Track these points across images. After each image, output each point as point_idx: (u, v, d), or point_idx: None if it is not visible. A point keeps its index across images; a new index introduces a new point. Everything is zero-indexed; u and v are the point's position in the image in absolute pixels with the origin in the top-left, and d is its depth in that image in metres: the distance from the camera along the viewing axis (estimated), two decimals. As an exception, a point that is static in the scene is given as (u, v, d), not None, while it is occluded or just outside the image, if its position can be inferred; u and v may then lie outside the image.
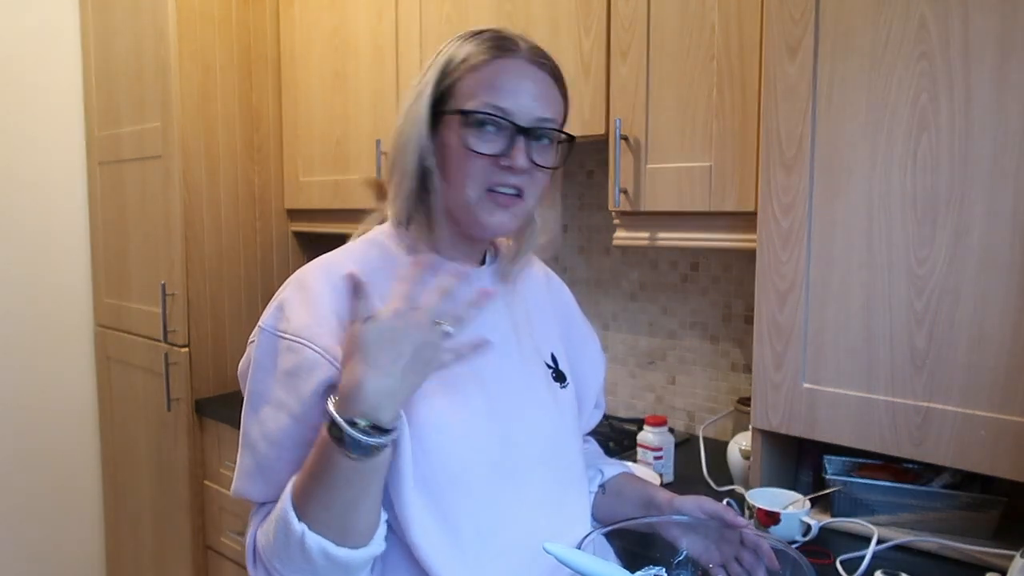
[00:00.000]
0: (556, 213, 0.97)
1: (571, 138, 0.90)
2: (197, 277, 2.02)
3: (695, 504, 0.92)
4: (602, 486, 1.03)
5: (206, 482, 2.05)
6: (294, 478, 0.78)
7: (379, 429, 0.72)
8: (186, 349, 2.01)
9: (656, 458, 1.41)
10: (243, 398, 0.86)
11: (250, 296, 2.14)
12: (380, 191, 0.95)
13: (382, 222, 0.95)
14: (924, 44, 1.00)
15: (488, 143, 0.83)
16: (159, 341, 2.06)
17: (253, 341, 0.87)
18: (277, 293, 0.86)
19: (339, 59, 1.98)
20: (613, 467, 1.06)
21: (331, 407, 0.72)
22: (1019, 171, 0.94)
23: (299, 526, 0.74)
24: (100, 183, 2.29)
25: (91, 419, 2.42)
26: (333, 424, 0.71)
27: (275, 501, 0.82)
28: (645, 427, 1.44)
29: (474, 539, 0.83)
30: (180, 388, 2.02)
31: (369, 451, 0.71)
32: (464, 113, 0.83)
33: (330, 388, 0.78)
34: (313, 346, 0.79)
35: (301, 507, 0.75)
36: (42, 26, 2.24)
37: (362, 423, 0.71)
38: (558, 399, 0.96)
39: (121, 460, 2.33)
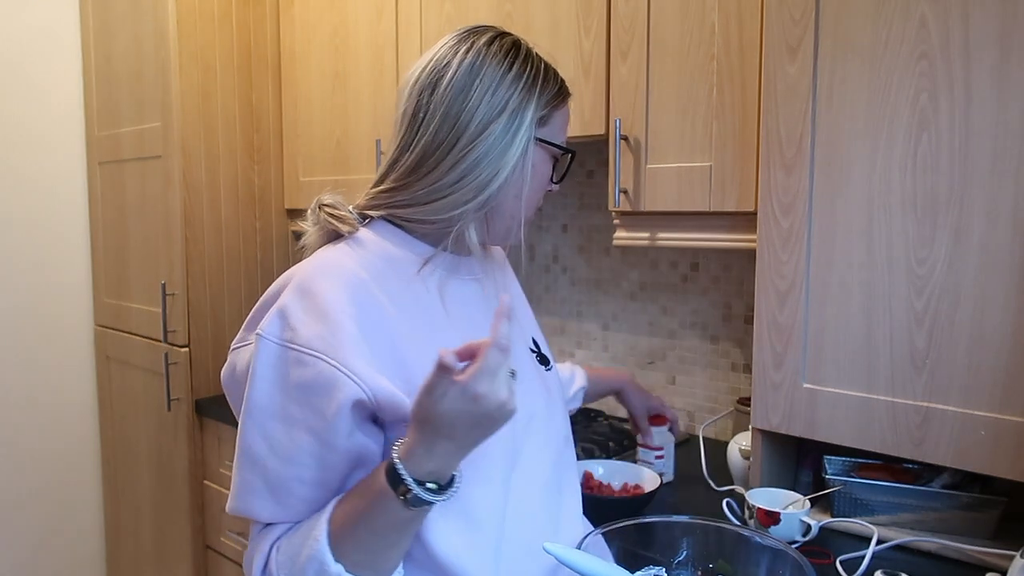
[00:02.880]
0: None
1: None
2: (197, 277, 2.02)
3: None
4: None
5: (206, 482, 2.05)
6: (329, 518, 0.76)
7: (441, 486, 0.73)
8: (186, 349, 2.01)
9: (657, 457, 1.41)
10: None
11: (250, 296, 2.14)
12: (330, 211, 0.91)
13: (355, 226, 0.91)
14: (924, 44, 1.00)
15: (556, 175, 0.95)
16: (159, 341, 2.06)
17: (242, 346, 0.85)
18: (270, 298, 0.83)
19: (339, 59, 1.98)
20: (580, 377, 1.32)
21: (399, 464, 0.71)
22: (1019, 171, 0.94)
23: (336, 567, 0.74)
24: (100, 183, 2.29)
25: (91, 419, 2.42)
26: (399, 480, 0.71)
27: (286, 522, 0.80)
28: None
29: (490, 526, 0.83)
30: (180, 388, 2.02)
31: (430, 504, 0.73)
32: (565, 151, 0.92)
33: (356, 405, 0.76)
34: (330, 360, 0.75)
35: (339, 549, 0.74)
36: (42, 26, 2.24)
37: (430, 485, 0.72)
38: (546, 382, 0.98)
39: (121, 460, 2.33)
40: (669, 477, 1.43)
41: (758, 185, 1.16)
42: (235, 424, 0.83)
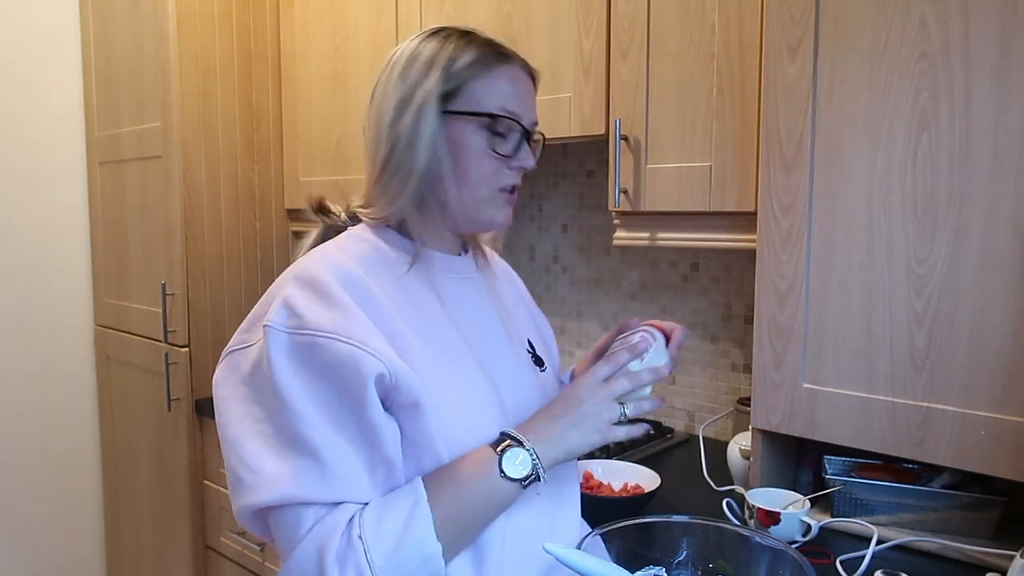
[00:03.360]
0: None
1: (544, 140, 0.98)
2: (197, 277, 2.02)
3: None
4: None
5: (206, 482, 2.05)
6: (428, 498, 0.78)
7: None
8: (186, 349, 2.01)
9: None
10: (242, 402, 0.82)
11: (250, 296, 2.14)
12: (321, 207, 0.96)
13: (343, 224, 0.95)
14: (924, 44, 1.00)
15: (504, 145, 0.89)
16: (159, 341, 2.06)
17: (243, 348, 0.84)
18: (269, 298, 0.83)
19: (339, 59, 1.98)
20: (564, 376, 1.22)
21: (524, 440, 0.81)
22: (1019, 171, 0.94)
23: (435, 545, 0.76)
24: (100, 183, 2.29)
25: (91, 419, 2.42)
26: (506, 436, 0.82)
27: (347, 501, 0.77)
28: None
29: (485, 530, 0.84)
30: (180, 388, 2.02)
31: (532, 483, 0.81)
32: (491, 117, 0.87)
33: (378, 380, 0.77)
34: (345, 339, 0.76)
35: (442, 530, 0.77)
36: (42, 26, 2.24)
37: (546, 463, 0.82)
38: (542, 382, 0.99)
39: (121, 460, 2.33)
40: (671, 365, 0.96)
41: (758, 185, 1.16)
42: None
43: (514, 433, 0.82)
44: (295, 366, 0.77)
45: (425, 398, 0.80)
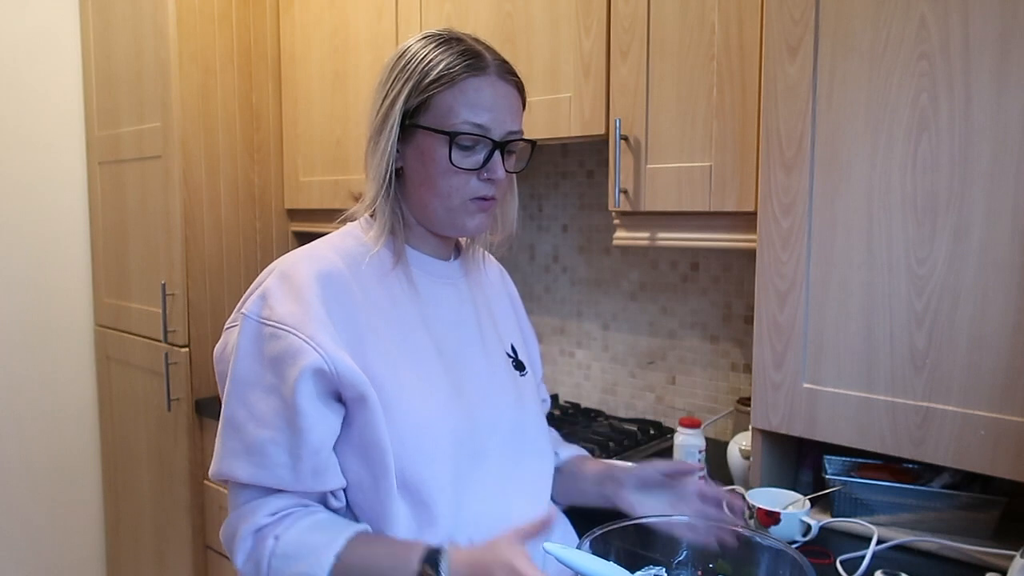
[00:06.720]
0: (514, 204, 1.04)
1: (534, 144, 1.00)
2: (197, 277, 2.02)
3: (653, 470, 1.01)
4: (557, 468, 1.10)
5: (206, 482, 2.05)
6: (339, 553, 0.82)
7: None
8: (186, 349, 2.01)
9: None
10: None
11: (250, 296, 2.13)
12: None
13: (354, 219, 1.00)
14: (924, 44, 1.00)
15: (470, 159, 0.90)
16: (159, 341, 2.06)
17: (233, 327, 0.91)
18: (258, 281, 0.90)
19: (339, 59, 1.98)
20: (568, 450, 1.16)
21: (444, 556, 0.80)
22: (1019, 171, 0.94)
23: None
24: (100, 183, 2.29)
25: (91, 419, 2.42)
26: (436, 566, 0.79)
27: (263, 486, 0.85)
28: (682, 429, 1.39)
29: (443, 526, 0.87)
30: (180, 388, 2.02)
31: None
32: (451, 134, 0.89)
33: (317, 374, 0.82)
34: (299, 334, 0.82)
35: None
36: (42, 26, 2.24)
37: None
38: (519, 385, 1.02)
39: (121, 460, 2.33)
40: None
41: (758, 185, 1.16)
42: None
43: (443, 567, 0.80)
44: (254, 352, 0.85)
45: (371, 392, 0.84)
